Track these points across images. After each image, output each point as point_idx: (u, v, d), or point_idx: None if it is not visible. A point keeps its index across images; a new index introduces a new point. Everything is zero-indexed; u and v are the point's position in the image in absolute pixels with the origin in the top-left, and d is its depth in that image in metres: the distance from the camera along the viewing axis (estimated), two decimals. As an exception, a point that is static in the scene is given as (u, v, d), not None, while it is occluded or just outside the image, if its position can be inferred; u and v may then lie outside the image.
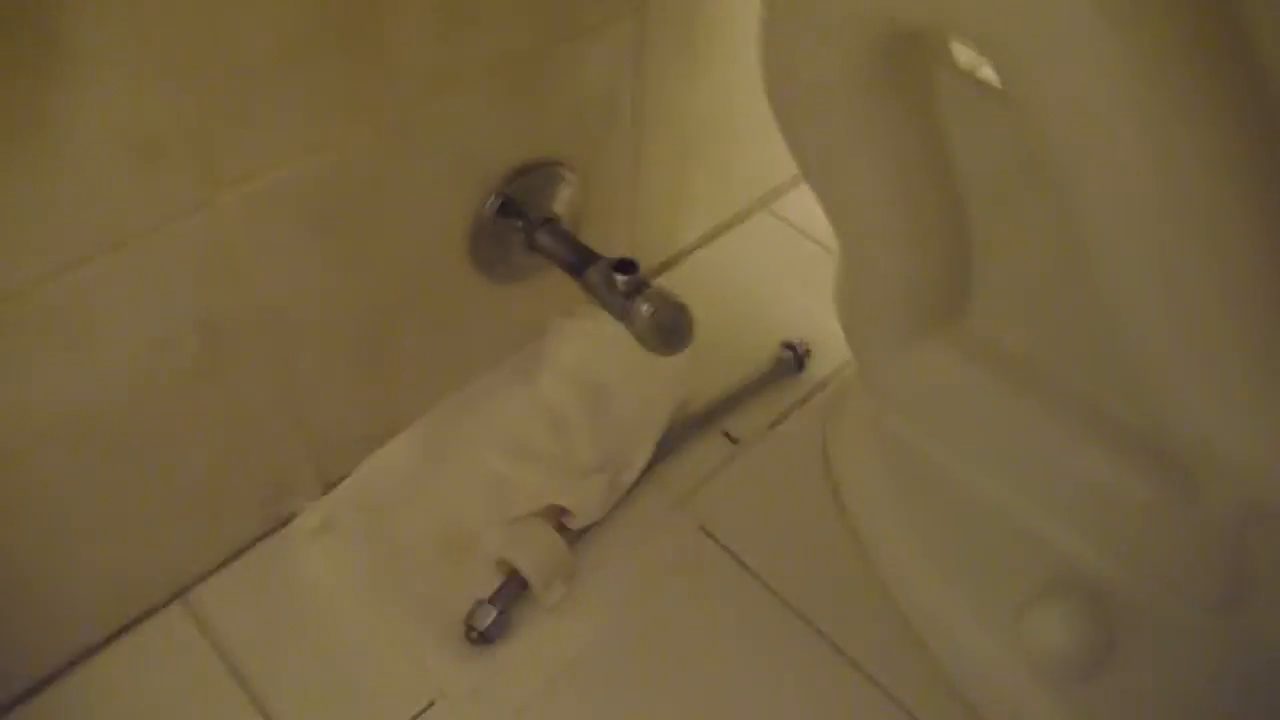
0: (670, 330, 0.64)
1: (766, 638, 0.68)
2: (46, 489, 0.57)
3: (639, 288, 0.64)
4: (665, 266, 0.92)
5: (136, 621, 0.67)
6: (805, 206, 0.90)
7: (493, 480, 0.74)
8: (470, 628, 0.66)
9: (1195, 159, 0.45)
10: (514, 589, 0.68)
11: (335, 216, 0.61)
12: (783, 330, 0.85)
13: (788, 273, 0.92)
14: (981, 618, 0.65)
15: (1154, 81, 0.44)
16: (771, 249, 0.95)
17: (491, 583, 0.68)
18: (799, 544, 0.73)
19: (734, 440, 0.79)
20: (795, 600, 0.70)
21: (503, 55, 0.64)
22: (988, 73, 0.51)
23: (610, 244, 0.71)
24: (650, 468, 0.75)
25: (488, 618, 0.66)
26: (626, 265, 0.65)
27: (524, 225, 0.71)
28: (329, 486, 0.73)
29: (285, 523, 0.72)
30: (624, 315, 0.64)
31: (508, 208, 0.70)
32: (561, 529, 0.70)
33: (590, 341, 0.79)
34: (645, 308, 0.63)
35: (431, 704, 0.65)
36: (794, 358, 0.83)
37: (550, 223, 0.72)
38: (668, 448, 0.77)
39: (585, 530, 0.72)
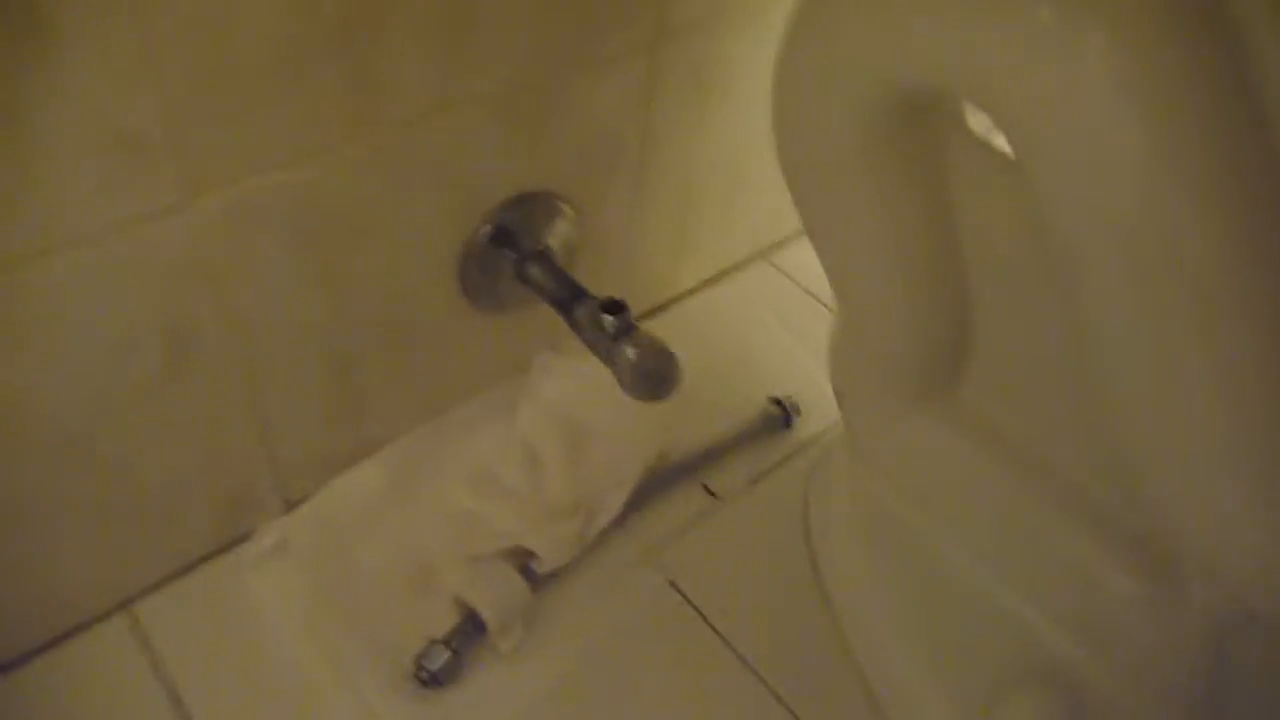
0: (655, 377, 0.63)
1: (728, 704, 0.66)
2: (-13, 486, 0.55)
3: (626, 330, 0.63)
4: (657, 309, 0.91)
5: (75, 630, 0.65)
6: (807, 260, 0.88)
7: (459, 515, 0.72)
8: (421, 667, 0.64)
9: (1203, 245, 0.44)
10: (470, 631, 0.65)
11: (318, 231, 0.60)
12: (772, 385, 0.84)
13: (782, 326, 0.91)
14: (952, 700, 0.64)
15: (1168, 164, 0.43)
16: (768, 301, 0.94)
17: (448, 622, 0.66)
18: (770, 609, 0.71)
19: (713, 494, 0.78)
20: (761, 667, 0.68)
21: (509, 82, 0.63)
22: (1001, 142, 0.51)
23: (603, 282, 0.69)
24: (624, 515, 0.73)
25: (440, 659, 0.64)
26: (615, 306, 0.63)
27: (515, 256, 0.70)
28: (290, 506, 0.71)
29: (241, 540, 0.70)
30: (609, 357, 0.63)
31: (500, 236, 0.69)
32: (526, 571, 0.68)
33: (574, 379, 0.78)
34: (631, 352, 0.62)
35: (371, 745, 0.62)
36: (781, 414, 0.82)
37: (543, 255, 0.71)
38: (644, 496, 0.75)
39: (550, 575, 0.69)
